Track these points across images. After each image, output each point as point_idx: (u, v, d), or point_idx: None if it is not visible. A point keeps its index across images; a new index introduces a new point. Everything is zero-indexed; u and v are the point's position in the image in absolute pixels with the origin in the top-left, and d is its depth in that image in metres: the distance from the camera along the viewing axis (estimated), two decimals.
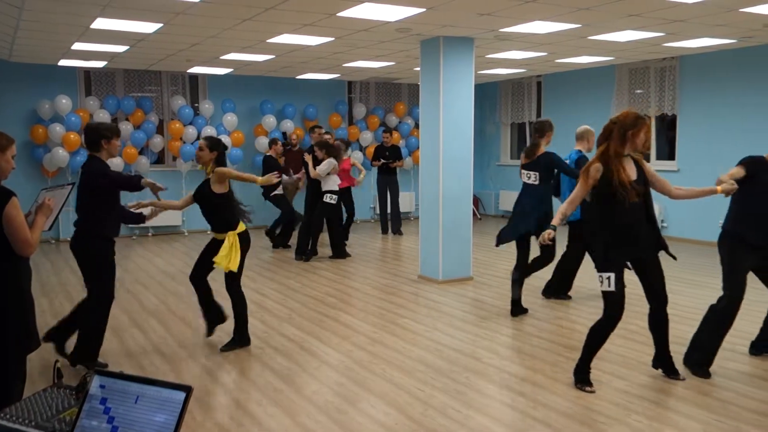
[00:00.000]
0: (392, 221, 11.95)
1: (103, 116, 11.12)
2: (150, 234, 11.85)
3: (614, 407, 4.14)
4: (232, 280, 5.38)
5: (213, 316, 5.64)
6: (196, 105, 12.33)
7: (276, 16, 6.81)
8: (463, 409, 4.15)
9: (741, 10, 6.76)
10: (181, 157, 11.71)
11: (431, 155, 8.03)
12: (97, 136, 4.73)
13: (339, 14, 6.73)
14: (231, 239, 5.23)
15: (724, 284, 4.60)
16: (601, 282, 4.23)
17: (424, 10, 6.52)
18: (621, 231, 4.23)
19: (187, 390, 1.76)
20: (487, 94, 14.55)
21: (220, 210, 5.29)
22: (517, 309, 6.38)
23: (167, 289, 7.66)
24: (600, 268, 4.25)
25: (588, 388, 4.38)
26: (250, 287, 7.59)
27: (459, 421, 3.95)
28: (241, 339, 5.45)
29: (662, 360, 4.62)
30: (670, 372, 4.59)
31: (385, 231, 11.96)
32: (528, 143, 7.47)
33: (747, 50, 9.53)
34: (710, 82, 10.19)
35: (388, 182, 11.67)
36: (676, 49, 9.62)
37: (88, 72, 11.51)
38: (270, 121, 12.31)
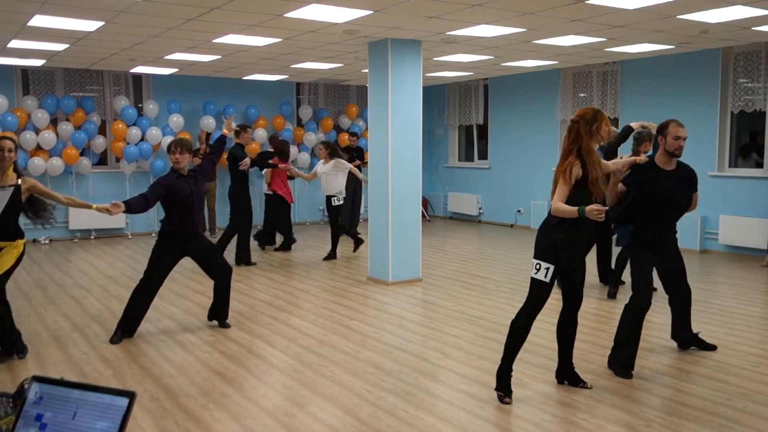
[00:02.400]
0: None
1: (41, 116, 10.80)
2: (92, 237, 11.55)
3: (560, 406, 4.22)
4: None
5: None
6: (140, 105, 12.08)
7: (221, 16, 6.72)
8: (412, 409, 4.16)
9: (678, 16, 6.98)
10: (125, 158, 11.45)
11: (380, 157, 8.05)
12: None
13: (286, 15, 6.68)
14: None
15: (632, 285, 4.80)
16: (537, 270, 4.19)
17: (371, 12, 6.53)
18: (574, 229, 4.17)
19: (131, 396, 1.72)
20: (435, 96, 14.68)
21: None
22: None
23: (110, 293, 7.47)
24: (540, 256, 4.19)
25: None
26: (197, 290, 7.48)
27: (408, 422, 3.97)
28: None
29: (566, 371, 4.56)
30: (578, 382, 4.52)
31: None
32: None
33: (684, 56, 9.86)
34: (650, 87, 10.51)
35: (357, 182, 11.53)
36: (618, 54, 9.89)
37: (25, 70, 11.15)
38: (208, 122, 12.12)
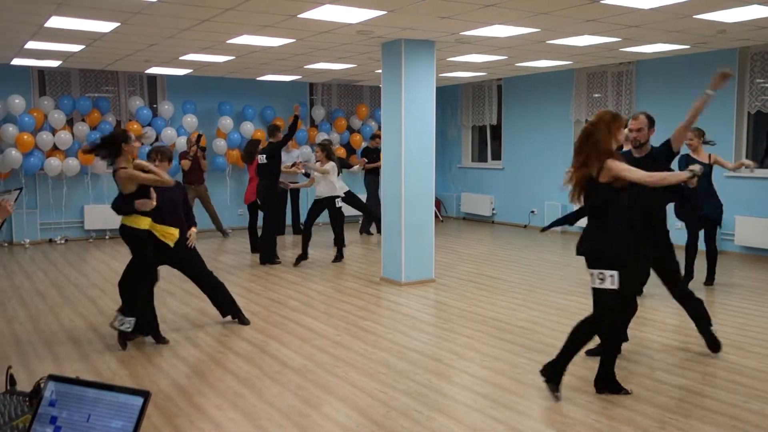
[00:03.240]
0: (370, 221, 11.99)
1: (57, 117, 10.89)
2: (107, 237, 11.62)
3: (573, 407, 4.20)
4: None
5: None
6: (155, 106, 12.14)
7: (235, 17, 6.75)
8: (425, 410, 4.16)
9: (694, 16, 6.93)
10: (139, 159, 11.48)
11: (393, 157, 8.05)
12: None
13: (300, 16, 6.70)
14: None
15: None
16: (602, 279, 4.14)
17: (384, 12, 6.53)
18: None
19: (145, 395, 1.73)
20: (448, 96, 14.65)
21: None
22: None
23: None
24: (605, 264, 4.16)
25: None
26: None
27: (421, 423, 3.96)
28: None
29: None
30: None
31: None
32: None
33: (700, 56, 9.77)
34: (665, 87, 10.42)
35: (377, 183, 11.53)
36: (633, 54, 9.82)
37: (42, 71, 11.25)
38: (227, 122, 12.19)
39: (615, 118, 4.21)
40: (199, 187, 11.25)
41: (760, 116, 9.66)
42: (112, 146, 5.48)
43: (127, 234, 5.55)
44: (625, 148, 4.97)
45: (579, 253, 4.31)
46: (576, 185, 4.23)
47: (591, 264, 4.21)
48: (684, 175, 4.22)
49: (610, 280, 4.11)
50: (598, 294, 4.20)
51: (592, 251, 4.21)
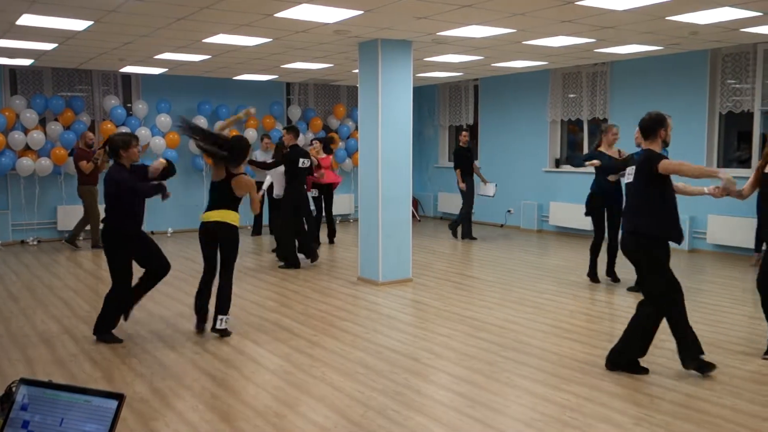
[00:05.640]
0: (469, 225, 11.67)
1: (30, 116, 10.73)
2: (81, 238, 11.47)
3: (549, 404, 4.24)
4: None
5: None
6: (129, 105, 12.02)
7: (211, 15, 6.70)
8: (403, 410, 4.16)
9: (667, 18, 7.02)
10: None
11: (370, 157, 8.05)
12: (115, 146, 5.47)
13: (276, 15, 6.67)
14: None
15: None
16: None
17: (361, 12, 6.53)
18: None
19: (120, 398, 1.71)
20: (425, 96, 14.69)
21: None
22: None
23: (99, 294, 7.42)
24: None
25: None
26: (187, 292, 7.44)
27: (398, 422, 3.97)
28: None
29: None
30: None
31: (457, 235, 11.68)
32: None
33: (672, 57, 9.91)
34: (639, 87, 10.55)
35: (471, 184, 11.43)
36: (607, 55, 9.93)
37: (13, 70, 11.07)
38: (202, 122, 12.08)
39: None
40: (94, 188, 10.46)
41: (730, 117, 9.81)
42: (240, 152, 5.75)
43: (229, 232, 5.73)
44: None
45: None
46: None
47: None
48: None
49: None
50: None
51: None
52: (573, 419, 3.99)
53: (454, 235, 11.57)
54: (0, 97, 10.83)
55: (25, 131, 10.81)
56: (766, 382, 4.63)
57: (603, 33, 7.88)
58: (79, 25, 7.17)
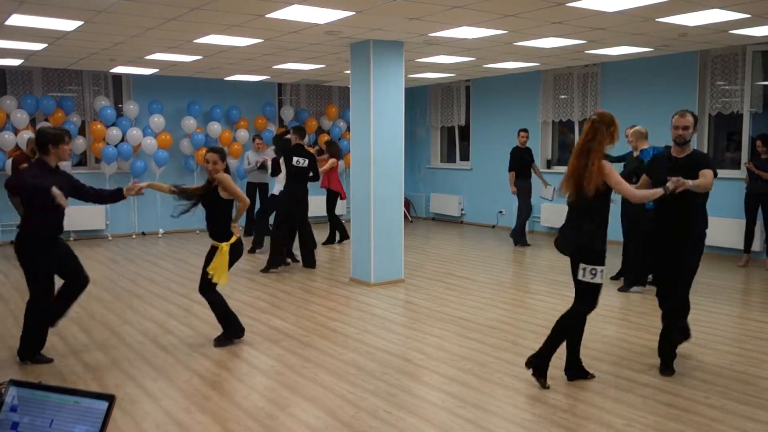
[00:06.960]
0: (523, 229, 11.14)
1: (20, 116, 10.67)
2: (72, 238, 11.43)
3: (541, 405, 4.25)
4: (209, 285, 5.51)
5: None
6: (120, 106, 11.98)
7: (202, 16, 6.69)
8: (394, 410, 4.17)
9: (657, 20, 7.05)
10: (104, 159, 11.35)
11: (362, 158, 8.05)
12: (44, 139, 4.96)
13: (267, 15, 6.66)
14: (223, 250, 5.39)
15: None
16: (594, 274, 4.37)
17: (353, 13, 6.53)
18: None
19: (110, 399, 1.71)
20: (417, 97, 14.70)
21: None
22: None
23: (89, 294, 7.38)
24: (596, 261, 4.37)
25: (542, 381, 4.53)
26: (178, 292, 7.43)
27: (390, 423, 3.97)
28: (233, 332, 5.62)
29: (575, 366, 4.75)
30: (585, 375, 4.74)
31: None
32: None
33: (662, 58, 9.96)
34: (629, 88, 10.60)
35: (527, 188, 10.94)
36: (598, 56, 9.97)
37: (2, 70, 11.01)
38: (190, 123, 12.07)
39: (614, 120, 4.41)
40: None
41: (720, 118, 9.87)
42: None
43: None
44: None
45: (562, 248, 4.53)
46: (571, 181, 4.39)
47: (580, 260, 4.40)
48: (659, 191, 4.55)
49: (600, 275, 4.37)
50: (586, 287, 4.43)
51: (583, 247, 4.40)
52: (564, 420, 4.01)
53: (520, 243, 10.80)
54: None
55: (16, 131, 10.75)
56: (754, 382, 4.66)
57: (593, 34, 7.92)
58: (68, 25, 7.14)
